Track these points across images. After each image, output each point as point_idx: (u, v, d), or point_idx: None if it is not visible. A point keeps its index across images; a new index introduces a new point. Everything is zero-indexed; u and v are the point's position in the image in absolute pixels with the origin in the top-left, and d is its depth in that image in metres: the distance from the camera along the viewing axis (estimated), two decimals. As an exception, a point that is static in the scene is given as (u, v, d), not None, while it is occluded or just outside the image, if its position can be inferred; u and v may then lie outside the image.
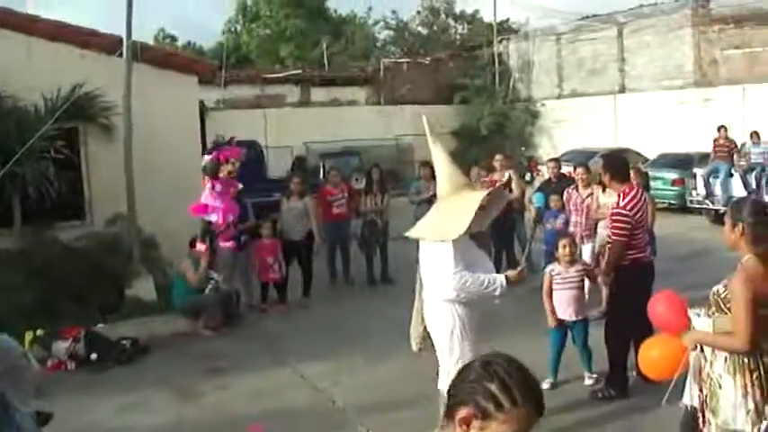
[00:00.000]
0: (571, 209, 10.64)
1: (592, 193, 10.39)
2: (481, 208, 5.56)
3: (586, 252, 10.23)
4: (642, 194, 7.31)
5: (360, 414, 7.09)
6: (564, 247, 7.54)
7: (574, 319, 7.52)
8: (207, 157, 10.58)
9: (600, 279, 7.92)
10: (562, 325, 7.55)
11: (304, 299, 11.88)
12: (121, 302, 10.78)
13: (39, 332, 9.29)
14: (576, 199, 10.52)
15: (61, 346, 9.08)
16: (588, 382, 7.65)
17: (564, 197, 10.97)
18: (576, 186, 10.68)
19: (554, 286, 7.53)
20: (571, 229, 10.40)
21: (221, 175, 10.25)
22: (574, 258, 7.63)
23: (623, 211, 7.01)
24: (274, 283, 11.56)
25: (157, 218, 11.63)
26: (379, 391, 7.68)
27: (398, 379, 7.90)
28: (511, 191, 11.96)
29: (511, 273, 5.68)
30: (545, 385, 7.39)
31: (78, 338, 9.19)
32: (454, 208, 5.56)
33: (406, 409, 6.98)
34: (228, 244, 10.82)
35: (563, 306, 7.51)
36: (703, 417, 4.54)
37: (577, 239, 10.04)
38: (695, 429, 4.74)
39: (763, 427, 4.19)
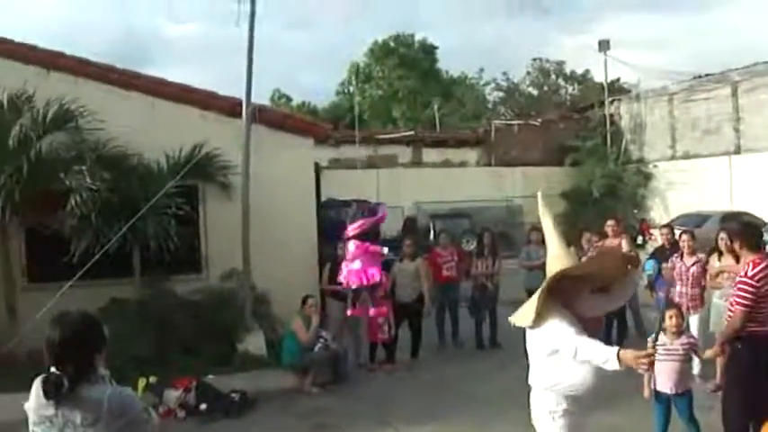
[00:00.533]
0: (675, 278, 10.21)
1: (698, 261, 10.06)
2: (603, 290, 5.09)
3: (693, 324, 9.86)
4: None
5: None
6: (670, 318, 7.35)
7: (674, 392, 7.31)
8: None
9: (708, 352, 7.64)
10: (664, 398, 7.35)
11: (412, 360, 11.85)
12: (233, 356, 11.01)
13: (151, 380, 9.59)
14: (681, 267, 10.10)
15: (173, 395, 9.33)
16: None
17: (669, 265, 10.59)
18: (682, 254, 10.26)
19: (657, 357, 7.33)
20: (676, 299, 9.98)
21: None
22: (680, 330, 7.44)
23: (750, 281, 6.68)
24: (383, 344, 11.61)
25: (271, 275, 11.91)
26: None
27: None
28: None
29: (630, 353, 4.54)
30: None
31: (189, 389, 9.44)
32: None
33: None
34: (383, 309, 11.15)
35: (663, 378, 7.30)
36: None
37: (684, 310, 9.78)
38: None
39: None
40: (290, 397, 9.95)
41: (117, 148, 11.22)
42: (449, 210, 25.97)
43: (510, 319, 5.17)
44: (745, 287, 6.71)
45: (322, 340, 10.55)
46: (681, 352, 7.25)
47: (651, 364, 4.63)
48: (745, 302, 6.68)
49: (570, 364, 4.70)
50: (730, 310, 7.17)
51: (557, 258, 5.03)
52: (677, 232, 11.79)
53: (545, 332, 4.77)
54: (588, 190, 30.29)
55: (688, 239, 10.25)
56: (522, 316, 4.96)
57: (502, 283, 12.73)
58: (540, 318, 4.75)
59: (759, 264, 6.73)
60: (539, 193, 5.16)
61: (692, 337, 7.46)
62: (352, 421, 8.85)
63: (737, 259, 8.74)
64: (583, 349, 4.60)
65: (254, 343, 11.24)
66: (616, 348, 4.57)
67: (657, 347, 7.24)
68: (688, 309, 9.83)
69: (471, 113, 39.50)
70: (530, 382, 5.14)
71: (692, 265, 9.99)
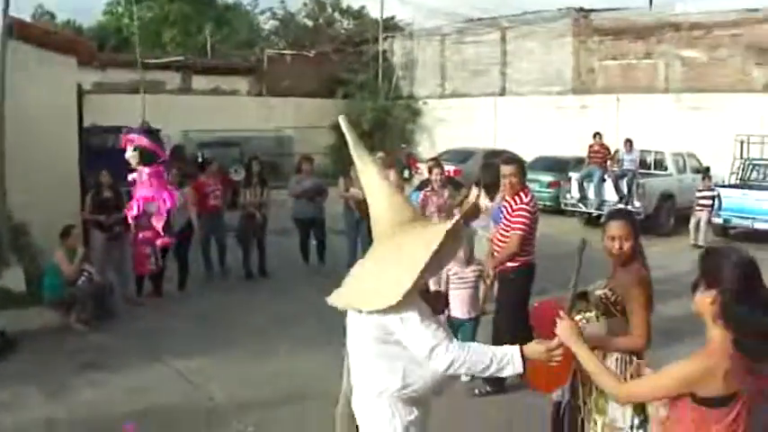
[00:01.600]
0: (433, 210, 10.42)
1: (450, 194, 10.49)
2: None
3: None
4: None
5: (237, 411, 6.97)
6: (462, 251, 7.64)
7: (466, 317, 7.65)
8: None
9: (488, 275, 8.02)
10: (457, 324, 7.65)
11: (180, 292, 11.65)
12: (-13, 292, 10.31)
13: None
14: (439, 199, 10.45)
15: None
16: (464, 379, 7.76)
17: (419, 200, 10.75)
18: (433, 187, 10.58)
19: (451, 286, 7.64)
20: None
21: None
22: (471, 259, 7.74)
23: (527, 207, 7.37)
24: (150, 276, 11.28)
25: (30, 204, 11.15)
26: (257, 387, 7.56)
27: (277, 376, 7.81)
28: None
29: (537, 347, 3.62)
30: None
31: (-61, 329, 8.75)
32: (396, 255, 3.53)
33: (283, 407, 6.96)
34: (166, 240, 10.89)
35: (457, 305, 7.63)
36: (572, 412, 4.74)
37: None
38: (561, 422, 4.97)
39: (653, 422, 4.37)
40: (54, 335, 9.45)
41: None
42: (217, 138, 25.49)
43: (345, 300, 3.62)
44: (524, 213, 7.36)
45: (86, 273, 10.06)
46: (472, 278, 7.62)
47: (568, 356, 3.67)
48: (524, 227, 7.32)
49: (415, 362, 3.52)
50: (502, 239, 7.57)
51: (388, 209, 3.65)
52: (448, 167, 12.20)
53: (394, 323, 3.45)
54: (358, 123, 30.62)
55: (439, 173, 10.58)
56: (373, 296, 3.46)
57: (270, 213, 12.76)
58: (401, 302, 3.38)
59: (528, 194, 7.38)
60: (341, 119, 3.73)
61: (481, 263, 7.79)
62: (122, 358, 8.52)
63: (492, 197, 9.36)
64: (466, 357, 3.45)
65: (13, 278, 10.57)
66: (517, 347, 3.55)
67: (451, 276, 7.61)
68: None
69: (245, 42, 38.78)
70: (356, 387, 3.77)
71: (448, 197, 10.44)
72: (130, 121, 20.87)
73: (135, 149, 10.47)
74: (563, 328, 3.60)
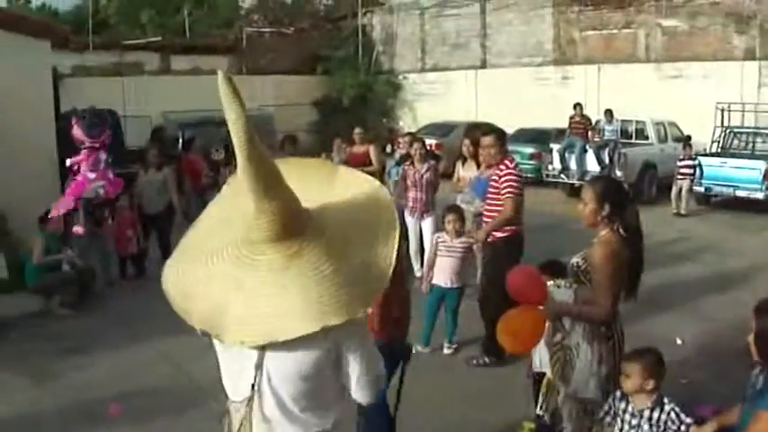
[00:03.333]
0: (409, 185, 10.54)
1: (430, 167, 10.48)
2: None
3: (426, 227, 10.38)
4: None
5: (219, 392, 6.95)
6: (449, 222, 7.78)
7: (449, 286, 7.70)
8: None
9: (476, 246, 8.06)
10: (438, 291, 7.73)
11: (162, 273, 11.57)
12: (-32, 280, 10.26)
13: None
14: (415, 174, 10.47)
15: None
16: (447, 351, 7.88)
17: (400, 174, 10.97)
18: (412, 162, 10.61)
19: (438, 252, 7.73)
20: (410, 204, 10.50)
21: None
22: (461, 231, 7.82)
23: (515, 171, 7.56)
24: (131, 258, 11.24)
25: (8, 190, 11.09)
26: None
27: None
28: (371, 164, 12.04)
29: None
30: (420, 349, 7.65)
31: None
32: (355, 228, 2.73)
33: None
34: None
35: (442, 272, 7.74)
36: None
37: (417, 215, 10.31)
38: (538, 392, 5.10)
39: (616, 395, 4.40)
40: (37, 321, 9.47)
41: None
42: (199, 118, 25.32)
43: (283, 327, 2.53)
44: (512, 177, 7.42)
45: (67, 257, 10.05)
46: (461, 249, 7.67)
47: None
48: (515, 191, 7.46)
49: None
50: (491, 208, 7.64)
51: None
52: (430, 141, 12.19)
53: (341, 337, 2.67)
54: (339, 99, 30.54)
55: (419, 147, 10.62)
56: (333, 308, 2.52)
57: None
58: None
59: (512, 161, 7.50)
60: (220, 74, 2.49)
61: (471, 236, 7.85)
62: (106, 341, 8.57)
63: (478, 166, 9.37)
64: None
65: (-7, 265, 10.52)
66: None
67: (440, 244, 7.73)
68: (422, 213, 10.37)
69: (224, 21, 38.47)
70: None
71: (425, 171, 10.40)
72: (110, 103, 20.85)
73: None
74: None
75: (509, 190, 7.44)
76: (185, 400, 6.95)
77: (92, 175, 10.31)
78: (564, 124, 20.45)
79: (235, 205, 2.76)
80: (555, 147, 19.76)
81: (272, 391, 2.71)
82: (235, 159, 2.57)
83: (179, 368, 7.76)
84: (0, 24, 11.89)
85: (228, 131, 2.56)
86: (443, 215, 7.98)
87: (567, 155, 19.29)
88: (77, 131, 10.38)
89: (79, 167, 10.42)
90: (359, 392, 2.81)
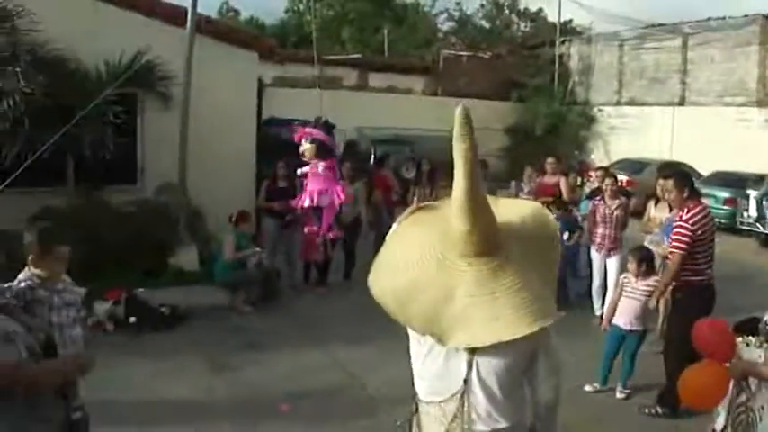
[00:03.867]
0: (598, 220, 10.39)
1: (621, 204, 10.28)
2: None
3: (612, 266, 10.16)
4: (710, 214, 7.25)
5: (390, 404, 7.09)
6: (632, 263, 7.64)
7: (629, 328, 7.55)
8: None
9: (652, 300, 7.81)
10: (618, 332, 7.61)
11: (345, 282, 11.89)
12: (165, 270, 10.91)
13: (81, 290, 9.42)
14: (605, 210, 10.28)
15: (102, 308, 9.23)
16: (619, 395, 7.66)
17: (590, 208, 10.79)
18: (603, 197, 10.43)
19: (622, 291, 7.63)
20: (597, 240, 10.35)
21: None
22: (647, 273, 7.63)
23: (686, 225, 6.99)
24: (316, 264, 11.61)
25: (207, 190, 11.78)
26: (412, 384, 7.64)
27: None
28: (561, 195, 11.92)
29: None
30: (588, 388, 7.62)
31: (119, 301, 9.37)
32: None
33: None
34: (338, 233, 11.17)
35: (623, 314, 7.60)
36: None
37: (603, 252, 10.11)
38: None
39: None
40: (220, 313, 9.94)
41: (55, 52, 10.76)
42: (391, 136, 25.85)
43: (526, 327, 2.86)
44: (682, 230, 6.98)
45: (256, 257, 10.54)
46: (645, 292, 7.51)
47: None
48: (682, 246, 6.92)
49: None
50: (669, 257, 7.36)
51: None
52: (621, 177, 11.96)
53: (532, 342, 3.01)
54: (532, 127, 30.36)
55: (611, 183, 10.42)
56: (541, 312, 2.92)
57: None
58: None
59: (693, 209, 7.02)
60: (458, 109, 2.86)
61: (657, 280, 7.61)
62: (282, 341, 8.88)
63: (671, 208, 9.00)
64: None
65: (187, 258, 11.16)
66: None
67: (625, 284, 7.57)
68: (608, 251, 10.16)
69: (421, 42, 39.17)
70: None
71: (616, 208, 10.20)
72: (307, 114, 21.62)
73: (312, 142, 10.60)
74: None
75: (675, 243, 7.05)
76: (357, 407, 7.11)
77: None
78: (764, 170, 19.47)
79: (436, 222, 3.13)
80: (752, 193, 18.73)
81: (482, 384, 3.06)
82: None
83: (352, 376, 7.94)
84: (214, 35, 12.63)
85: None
86: (630, 255, 7.81)
87: (764, 203, 18.29)
88: (327, 139, 10.81)
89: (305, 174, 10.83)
90: (542, 389, 3.15)
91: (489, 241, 2.92)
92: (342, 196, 10.74)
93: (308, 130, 10.78)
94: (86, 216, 10.61)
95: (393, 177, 12.90)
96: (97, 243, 10.13)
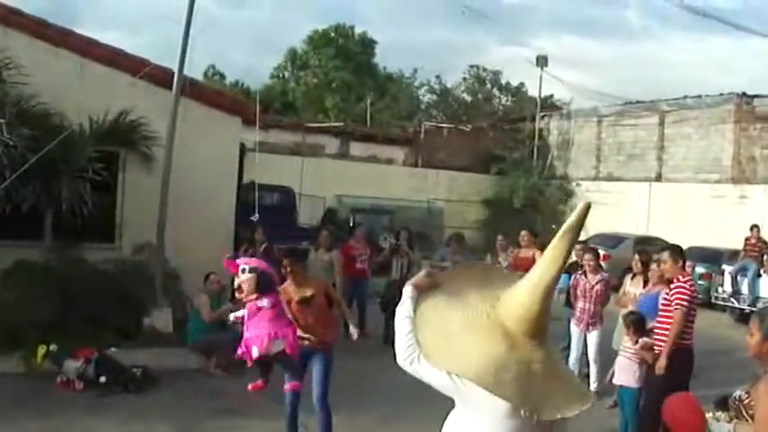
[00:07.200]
0: (578, 294, 10.47)
1: (602, 279, 10.36)
2: None
3: (591, 340, 10.28)
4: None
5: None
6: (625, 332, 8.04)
7: (620, 384, 8.02)
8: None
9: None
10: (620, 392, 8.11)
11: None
12: (138, 331, 10.80)
13: (52, 347, 9.33)
14: (585, 285, 10.37)
15: (72, 366, 9.10)
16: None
17: (570, 282, 10.88)
18: (585, 272, 10.50)
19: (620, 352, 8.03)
20: (577, 314, 10.45)
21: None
22: (635, 335, 7.87)
23: (685, 286, 7.52)
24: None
25: (185, 251, 11.75)
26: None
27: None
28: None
29: None
30: None
31: (90, 360, 9.23)
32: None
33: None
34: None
35: (619, 370, 7.99)
36: None
37: (582, 326, 10.19)
38: None
39: None
40: (192, 377, 9.84)
41: (40, 106, 10.84)
42: (370, 205, 25.98)
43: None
44: (683, 290, 7.45)
45: (232, 320, 10.42)
46: (632, 352, 7.82)
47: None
48: (684, 303, 7.44)
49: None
50: (662, 326, 7.53)
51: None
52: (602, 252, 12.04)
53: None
54: (510, 200, 30.62)
55: (590, 258, 10.49)
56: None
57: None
58: None
59: (687, 276, 7.58)
60: (583, 205, 3.43)
61: (649, 341, 7.76)
62: (254, 406, 8.71)
63: (645, 284, 9.23)
64: None
65: (161, 319, 11.09)
66: None
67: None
68: (587, 325, 10.22)
69: (404, 112, 39.58)
70: None
71: (596, 283, 10.28)
72: (288, 180, 21.76)
73: (251, 271, 7.22)
74: None
75: (678, 302, 7.38)
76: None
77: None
78: (738, 245, 19.70)
79: (472, 296, 3.34)
80: (727, 268, 18.91)
81: None
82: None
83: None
84: (199, 98, 12.72)
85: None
86: (621, 320, 8.30)
87: (739, 278, 18.43)
88: (269, 267, 7.64)
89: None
90: None
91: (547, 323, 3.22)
92: (294, 346, 7.53)
93: (244, 259, 7.75)
94: (61, 272, 10.56)
95: (363, 245, 12.91)
96: (71, 300, 10.06)
